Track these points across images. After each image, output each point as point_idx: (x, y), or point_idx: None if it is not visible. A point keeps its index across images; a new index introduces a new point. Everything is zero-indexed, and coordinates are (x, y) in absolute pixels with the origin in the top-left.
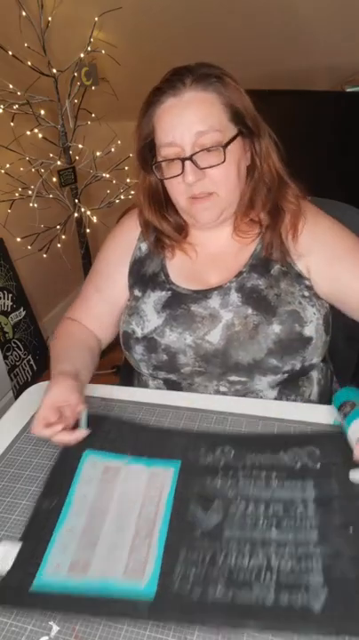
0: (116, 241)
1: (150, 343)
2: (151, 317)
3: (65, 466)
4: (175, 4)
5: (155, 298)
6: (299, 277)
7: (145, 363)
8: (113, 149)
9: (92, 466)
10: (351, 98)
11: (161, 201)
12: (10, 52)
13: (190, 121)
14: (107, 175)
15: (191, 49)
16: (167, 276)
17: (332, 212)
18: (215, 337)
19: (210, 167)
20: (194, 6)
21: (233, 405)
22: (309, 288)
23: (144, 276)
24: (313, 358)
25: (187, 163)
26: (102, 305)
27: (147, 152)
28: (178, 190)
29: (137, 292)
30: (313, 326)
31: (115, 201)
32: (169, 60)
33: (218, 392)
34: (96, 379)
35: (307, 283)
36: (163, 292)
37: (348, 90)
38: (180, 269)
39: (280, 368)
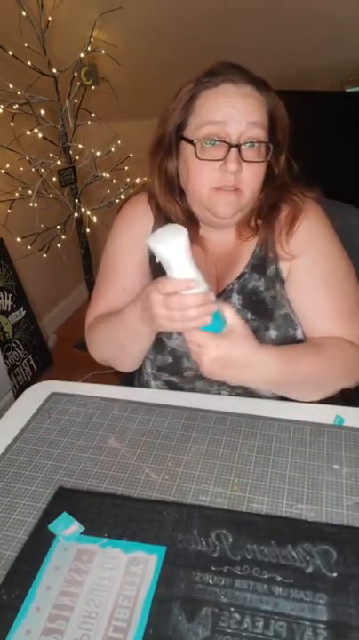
0: (132, 234)
1: (157, 343)
2: None
3: (35, 548)
4: (175, 5)
5: None
6: (282, 281)
7: (150, 362)
8: (113, 149)
9: (64, 550)
10: (351, 98)
11: (174, 189)
12: (10, 52)
13: (246, 109)
14: (107, 175)
15: (191, 49)
16: None
17: (333, 211)
18: None
19: (250, 162)
20: (193, 6)
21: (233, 405)
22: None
23: (161, 271)
24: None
25: (234, 150)
26: (127, 299)
27: (174, 134)
28: (206, 177)
29: None
30: (300, 328)
31: (115, 201)
32: (169, 60)
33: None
34: (96, 379)
35: (284, 285)
36: None
37: (348, 90)
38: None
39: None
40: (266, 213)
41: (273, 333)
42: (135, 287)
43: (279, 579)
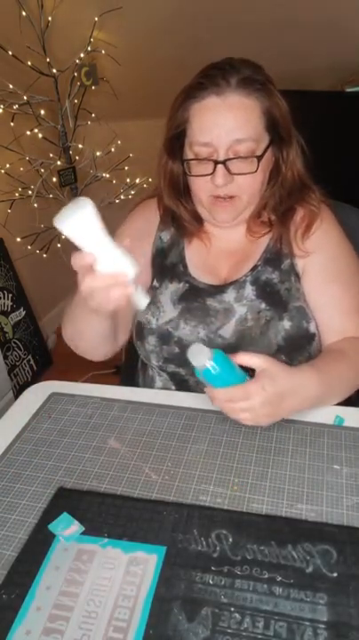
0: (136, 226)
1: (163, 335)
2: (167, 308)
3: (35, 548)
4: (175, 4)
5: (172, 289)
6: (298, 276)
7: (156, 354)
8: (113, 149)
9: (64, 550)
10: (351, 98)
11: (180, 189)
12: (10, 52)
13: (230, 126)
14: (107, 175)
15: (191, 49)
16: (186, 267)
17: (351, 216)
18: (228, 332)
19: (240, 174)
20: (194, 6)
21: None
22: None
23: (165, 267)
24: (316, 354)
25: (220, 166)
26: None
27: (176, 140)
28: (202, 188)
29: (155, 283)
30: (314, 323)
31: (115, 201)
32: (169, 60)
33: None
34: (96, 379)
35: (300, 281)
36: (181, 284)
37: (348, 90)
38: (197, 261)
39: (288, 365)
40: (281, 213)
41: (286, 324)
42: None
43: (279, 579)
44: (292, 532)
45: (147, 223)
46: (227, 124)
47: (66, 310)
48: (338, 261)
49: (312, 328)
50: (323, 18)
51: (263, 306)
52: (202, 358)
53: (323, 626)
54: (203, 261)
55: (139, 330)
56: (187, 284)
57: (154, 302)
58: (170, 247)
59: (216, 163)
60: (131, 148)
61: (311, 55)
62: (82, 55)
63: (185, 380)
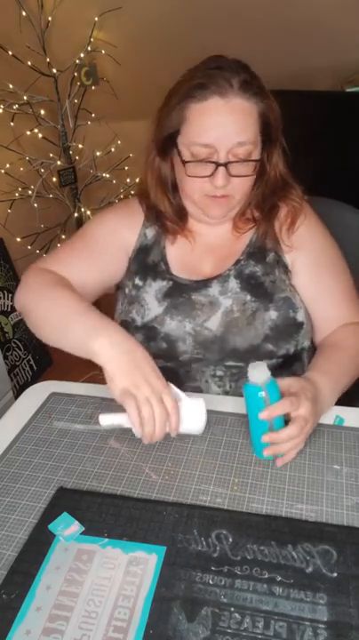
0: (120, 216)
1: (150, 332)
2: (152, 306)
3: (35, 548)
4: (175, 5)
5: (156, 287)
6: (286, 268)
7: None
8: (113, 149)
9: (64, 550)
10: (351, 98)
11: (167, 185)
12: (10, 52)
13: (232, 130)
14: (107, 175)
15: (191, 49)
16: (167, 265)
17: (331, 210)
18: (214, 323)
19: (239, 176)
20: (193, 6)
21: (233, 405)
22: (291, 279)
23: (146, 265)
24: (304, 342)
25: (222, 168)
26: (94, 274)
27: (167, 139)
28: (197, 187)
29: (138, 281)
30: (303, 312)
31: (115, 201)
32: (169, 60)
33: (214, 376)
34: (95, 378)
35: (290, 275)
36: (164, 282)
37: (348, 90)
38: (179, 259)
39: (275, 353)
40: (265, 210)
41: (273, 314)
42: (108, 265)
43: (279, 579)
44: (292, 532)
45: (131, 216)
46: (229, 126)
47: (44, 292)
48: (325, 253)
49: (299, 317)
50: (323, 18)
51: (248, 298)
52: (261, 377)
53: (323, 626)
54: (185, 259)
55: (125, 328)
56: (171, 282)
57: (138, 301)
58: (152, 245)
59: (217, 165)
60: (131, 148)
61: (311, 55)
62: (82, 55)
63: (175, 371)
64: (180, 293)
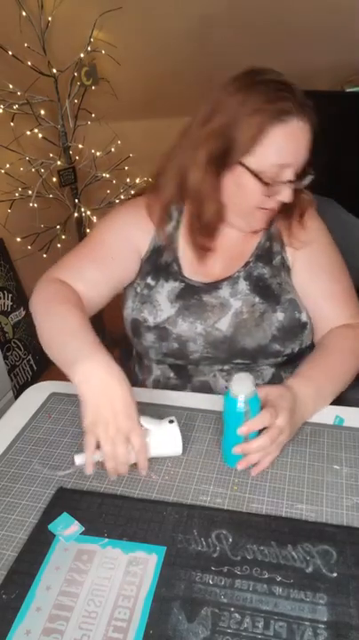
0: (131, 218)
1: (162, 332)
2: (164, 307)
3: (35, 548)
4: (175, 5)
5: (168, 288)
6: (288, 269)
7: (155, 350)
8: (113, 149)
9: (64, 550)
10: (351, 98)
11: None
12: (10, 52)
13: (304, 150)
14: (107, 175)
15: (191, 49)
16: (180, 266)
17: (330, 210)
18: (224, 324)
19: (301, 191)
20: (193, 6)
21: None
22: (291, 279)
23: (159, 265)
24: (307, 341)
25: (291, 185)
26: (105, 280)
27: (221, 150)
28: (257, 200)
29: (150, 281)
30: (306, 312)
31: (115, 201)
32: (169, 60)
33: (222, 371)
34: None
35: (291, 274)
36: (176, 283)
37: (348, 90)
38: (191, 260)
39: (281, 352)
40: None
41: (280, 315)
42: (119, 270)
43: (279, 579)
44: (292, 532)
45: (142, 217)
46: (302, 148)
47: (51, 309)
48: (324, 253)
49: (303, 318)
50: (324, 18)
51: (257, 300)
52: (244, 391)
53: (323, 626)
54: (196, 261)
55: (135, 327)
56: (183, 283)
57: (150, 301)
58: (165, 246)
59: (291, 182)
60: (131, 148)
61: (311, 55)
62: (82, 55)
63: (183, 367)
64: (192, 295)
